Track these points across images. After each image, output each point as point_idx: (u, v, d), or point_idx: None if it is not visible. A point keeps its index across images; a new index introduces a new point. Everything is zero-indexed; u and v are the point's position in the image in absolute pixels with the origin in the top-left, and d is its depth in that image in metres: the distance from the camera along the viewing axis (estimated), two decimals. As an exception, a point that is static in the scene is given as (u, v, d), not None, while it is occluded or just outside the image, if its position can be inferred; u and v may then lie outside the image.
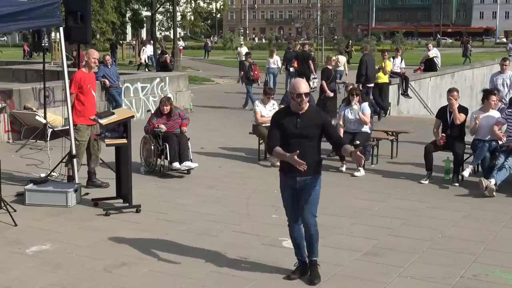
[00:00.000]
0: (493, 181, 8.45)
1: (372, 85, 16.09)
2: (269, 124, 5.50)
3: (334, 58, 16.02)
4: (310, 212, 5.43)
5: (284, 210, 5.59)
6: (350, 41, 46.65)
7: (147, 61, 31.84)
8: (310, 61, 19.68)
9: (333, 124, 5.73)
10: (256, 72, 18.28)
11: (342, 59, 22.73)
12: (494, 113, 9.36)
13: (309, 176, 5.31)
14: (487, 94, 9.59)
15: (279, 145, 5.27)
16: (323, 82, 15.01)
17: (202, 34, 63.69)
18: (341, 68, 21.70)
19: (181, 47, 42.87)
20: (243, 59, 31.48)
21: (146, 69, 29.87)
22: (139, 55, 34.50)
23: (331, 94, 14.99)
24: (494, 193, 8.38)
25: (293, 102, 5.29)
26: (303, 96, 5.19)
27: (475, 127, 9.20)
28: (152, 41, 35.50)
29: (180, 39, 48.48)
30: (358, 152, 5.16)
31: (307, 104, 5.29)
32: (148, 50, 32.35)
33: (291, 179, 5.35)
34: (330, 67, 15.55)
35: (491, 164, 8.95)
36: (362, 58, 16.33)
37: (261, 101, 10.88)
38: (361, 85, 15.49)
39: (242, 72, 18.57)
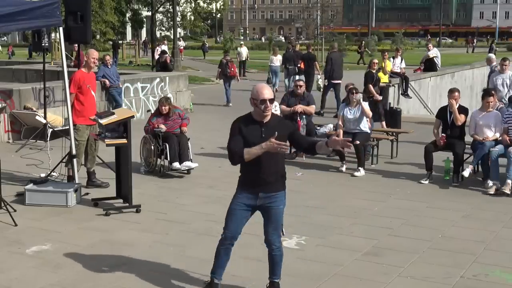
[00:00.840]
0: (510, 182, 8.47)
1: (338, 81, 17.01)
2: (230, 135, 4.83)
3: (376, 61, 15.44)
4: (277, 233, 5.00)
5: (228, 225, 4.99)
6: (363, 42, 44.98)
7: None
8: (316, 62, 21.05)
9: (298, 131, 5.27)
10: (232, 69, 19.34)
11: None
12: (494, 113, 9.35)
13: (274, 192, 4.88)
14: (484, 94, 9.61)
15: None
16: (370, 85, 14.28)
17: (205, 34, 63.54)
18: None
19: (182, 47, 42.83)
20: (243, 59, 31.83)
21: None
22: (152, 55, 34.25)
23: (380, 98, 14.40)
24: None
25: (256, 109, 4.78)
26: (268, 102, 4.72)
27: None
28: (166, 42, 35.53)
29: (181, 39, 48.46)
30: (335, 137, 4.79)
31: (271, 111, 4.85)
32: None
33: (252, 195, 4.87)
34: (373, 70, 14.85)
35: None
36: (328, 55, 17.50)
37: None
38: (326, 81, 17.18)
39: (220, 70, 19.53)
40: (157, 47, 33.10)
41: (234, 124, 4.87)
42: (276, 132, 4.63)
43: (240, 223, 4.98)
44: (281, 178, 4.95)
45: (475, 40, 65.51)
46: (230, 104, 18.74)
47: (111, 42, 38.69)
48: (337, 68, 16.82)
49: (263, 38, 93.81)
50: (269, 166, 4.80)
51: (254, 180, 4.84)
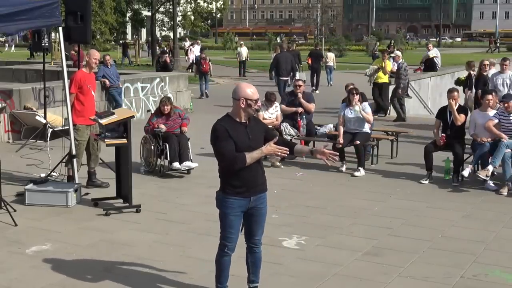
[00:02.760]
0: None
1: (286, 78, 18.65)
2: (219, 140, 4.64)
3: (487, 62, 13.02)
4: (262, 232, 4.99)
5: (231, 237, 4.88)
6: (393, 41, 43.13)
7: (194, 61, 31.52)
8: (322, 58, 24.71)
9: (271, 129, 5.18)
10: (204, 66, 21.38)
11: (331, 55, 27.24)
12: (493, 113, 9.34)
13: (263, 192, 4.82)
14: (483, 94, 9.61)
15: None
16: (479, 92, 12.08)
17: (210, 33, 63.38)
18: (330, 63, 26.31)
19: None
20: (243, 59, 31.93)
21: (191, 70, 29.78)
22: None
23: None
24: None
25: (247, 109, 4.56)
26: (258, 101, 4.59)
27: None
28: (199, 42, 35.63)
29: (187, 39, 48.39)
30: (325, 149, 4.70)
31: None
32: (196, 50, 32.25)
33: (244, 201, 4.72)
34: (484, 73, 12.76)
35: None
36: (276, 55, 19.86)
37: (264, 106, 10.80)
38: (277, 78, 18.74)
39: (196, 66, 22.25)
40: (190, 47, 33.17)
41: (219, 127, 4.62)
42: (277, 137, 4.67)
43: (239, 231, 4.90)
44: (265, 177, 4.89)
45: (498, 40, 65.58)
46: (203, 97, 20.83)
47: (113, 42, 38.69)
48: (282, 66, 18.45)
49: (278, 38, 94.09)
50: (258, 167, 4.74)
51: (247, 183, 4.70)
